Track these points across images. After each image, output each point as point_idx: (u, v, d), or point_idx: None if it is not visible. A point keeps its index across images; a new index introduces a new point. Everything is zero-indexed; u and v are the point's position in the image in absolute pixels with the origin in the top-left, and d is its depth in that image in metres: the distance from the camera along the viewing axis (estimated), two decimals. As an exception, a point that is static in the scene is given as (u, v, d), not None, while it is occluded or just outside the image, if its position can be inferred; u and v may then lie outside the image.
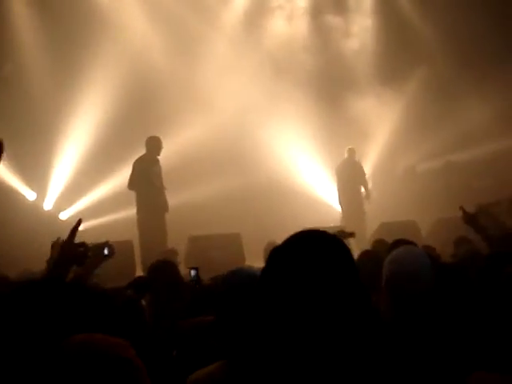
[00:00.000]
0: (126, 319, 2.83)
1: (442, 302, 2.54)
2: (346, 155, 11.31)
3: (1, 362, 1.43)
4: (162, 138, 9.50)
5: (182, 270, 7.55)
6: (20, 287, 1.65)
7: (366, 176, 11.41)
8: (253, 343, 1.56)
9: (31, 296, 1.61)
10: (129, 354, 1.35)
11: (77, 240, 2.92)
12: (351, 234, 5.76)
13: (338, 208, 11.42)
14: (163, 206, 9.27)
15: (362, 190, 11.29)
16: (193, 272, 3.72)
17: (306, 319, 1.45)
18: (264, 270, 1.58)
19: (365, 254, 4.48)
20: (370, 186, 11.32)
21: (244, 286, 2.38)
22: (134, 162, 9.29)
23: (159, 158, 9.39)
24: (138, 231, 9.09)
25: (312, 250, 1.52)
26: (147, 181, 9.10)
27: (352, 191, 11.09)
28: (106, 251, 3.45)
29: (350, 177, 11.11)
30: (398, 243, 3.84)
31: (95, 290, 1.78)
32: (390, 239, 5.42)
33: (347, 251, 1.57)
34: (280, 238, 1.66)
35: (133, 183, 9.22)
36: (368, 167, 12.03)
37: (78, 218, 3.03)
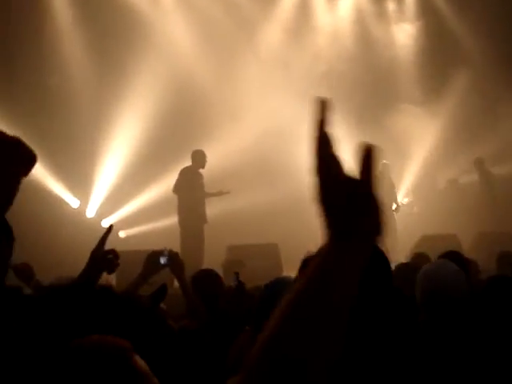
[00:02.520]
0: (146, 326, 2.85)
1: (476, 318, 2.51)
2: (380, 169, 11.24)
3: (16, 362, 1.46)
4: (202, 146, 9.79)
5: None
6: (47, 292, 1.68)
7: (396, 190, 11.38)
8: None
9: (57, 300, 1.63)
10: (131, 358, 1.30)
11: (119, 246, 2.93)
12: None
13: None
14: (202, 217, 9.51)
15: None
16: (234, 278, 3.64)
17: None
18: (296, 278, 1.57)
19: (403, 267, 4.44)
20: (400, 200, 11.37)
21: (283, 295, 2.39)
22: (181, 170, 9.65)
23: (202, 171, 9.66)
24: (179, 238, 9.30)
25: None
26: (190, 190, 9.42)
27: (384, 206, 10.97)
28: (162, 260, 3.41)
29: (383, 191, 10.91)
30: (446, 256, 3.77)
31: (124, 296, 1.79)
32: (430, 252, 5.38)
33: (386, 262, 1.56)
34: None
35: (177, 188, 9.58)
36: (409, 182, 11.97)
37: (111, 225, 3.04)
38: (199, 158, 9.64)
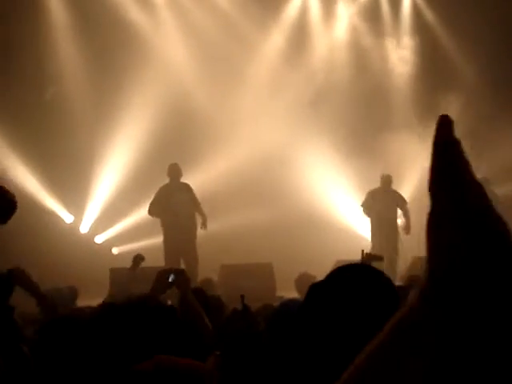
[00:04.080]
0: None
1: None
2: (380, 184, 10.64)
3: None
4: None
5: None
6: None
7: (407, 205, 10.65)
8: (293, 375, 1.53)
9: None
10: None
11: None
12: (380, 258, 5.61)
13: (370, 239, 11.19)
14: (188, 233, 9.41)
15: (399, 221, 10.74)
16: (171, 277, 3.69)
17: (348, 355, 1.41)
18: (303, 305, 1.54)
19: (399, 290, 4.44)
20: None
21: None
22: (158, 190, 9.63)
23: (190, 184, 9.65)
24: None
25: (354, 287, 1.47)
26: (166, 209, 9.38)
27: (387, 223, 10.38)
28: (170, 278, 3.58)
29: (384, 207, 10.33)
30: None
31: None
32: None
33: (391, 287, 1.54)
34: (311, 269, 1.65)
35: (150, 210, 9.61)
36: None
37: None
38: (171, 172, 9.56)
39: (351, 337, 1.39)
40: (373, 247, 10.18)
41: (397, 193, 10.74)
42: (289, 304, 2.53)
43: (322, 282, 1.54)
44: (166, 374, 1.37)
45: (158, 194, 9.54)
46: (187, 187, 9.69)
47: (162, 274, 3.61)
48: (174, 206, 9.35)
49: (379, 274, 1.54)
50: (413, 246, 10.18)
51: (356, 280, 1.48)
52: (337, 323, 1.43)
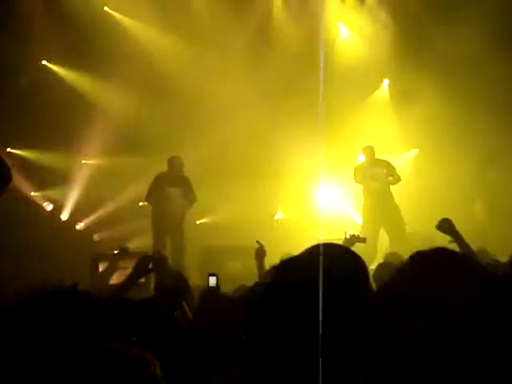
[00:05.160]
0: (157, 329, 2.90)
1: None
2: (362, 156, 10.23)
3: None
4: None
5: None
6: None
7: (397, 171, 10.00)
8: (269, 354, 1.52)
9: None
10: (152, 368, 1.44)
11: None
12: (362, 240, 5.70)
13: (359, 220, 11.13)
14: (176, 217, 9.40)
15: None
16: (212, 279, 3.68)
17: (311, 334, 1.42)
18: (271, 282, 1.54)
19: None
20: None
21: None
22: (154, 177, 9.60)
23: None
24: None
25: (318, 263, 1.47)
26: (158, 199, 9.41)
27: (383, 196, 9.80)
28: (151, 265, 3.74)
29: (371, 183, 9.83)
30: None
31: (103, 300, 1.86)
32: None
33: (360, 268, 1.52)
34: (297, 251, 1.63)
35: (147, 197, 9.59)
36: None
37: (91, 228, 3.23)
38: (171, 165, 9.52)
39: (310, 312, 1.41)
40: (364, 225, 9.85)
41: (384, 161, 10.09)
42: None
43: (289, 260, 1.55)
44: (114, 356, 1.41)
45: (154, 184, 9.52)
46: (185, 182, 9.60)
47: (143, 260, 3.72)
48: (167, 198, 9.35)
49: (349, 253, 1.55)
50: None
51: (322, 255, 1.48)
52: (298, 299, 1.44)
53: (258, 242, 5.19)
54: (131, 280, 3.70)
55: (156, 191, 9.44)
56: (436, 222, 4.41)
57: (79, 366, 1.41)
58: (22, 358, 1.54)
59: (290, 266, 1.53)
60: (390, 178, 9.89)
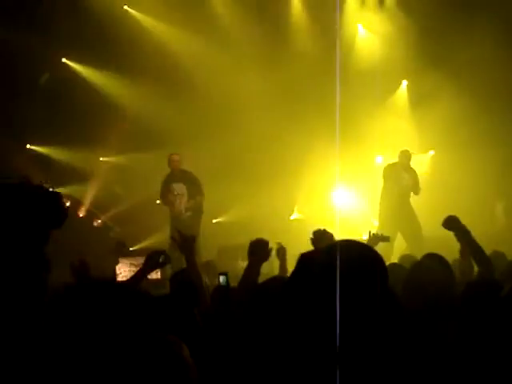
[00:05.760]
0: (177, 324, 2.96)
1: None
2: (398, 159, 9.95)
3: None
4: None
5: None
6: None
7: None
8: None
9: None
10: (184, 352, 1.52)
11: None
12: (385, 238, 5.67)
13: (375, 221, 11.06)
14: (190, 222, 9.36)
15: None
16: (221, 278, 3.77)
17: (327, 325, 1.45)
18: (293, 273, 1.58)
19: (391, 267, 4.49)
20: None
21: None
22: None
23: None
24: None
25: (342, 259, 1.49)
26: (163, 197, 9.51)
27: (403, 201, 9.76)
28: (161, 259, 3.82)
29: (396, 185, 9.73)
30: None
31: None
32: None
33: (378, 264, 1.54)
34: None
35: (160, 196, 9.66)
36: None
37: (108, 225, 3.36)
38: (168, 162, 9.58)
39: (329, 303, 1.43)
40: (382, 226, 9.76)
41: (414, 170, 9.99)
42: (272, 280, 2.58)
43: (310, 252, 1.59)
44: None
45: (162, 185, 9.61)
46: (189, 177, 9.60)
47: (152, 255, 3.82)
48: (173, 197, 9.41)
49: (371, 252, 1.57)
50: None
51: (342, 252, 1.50)
52: (319, 292, 1.47)
53: (278, 243, 5.15)
54: (140, 275, 3.80)
55: (165, 190, 9.52)
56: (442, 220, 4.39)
57: (127, 350, 1.48)
58: (73, 346, 1.63)
59: (311, 257, 1.56)
60: (414, 189, 9.90)
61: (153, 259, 3.83)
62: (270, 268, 7.63)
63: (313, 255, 1.57)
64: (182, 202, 9.44)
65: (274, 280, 2.67)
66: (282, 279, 2.69)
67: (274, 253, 4.83)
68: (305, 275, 1.53)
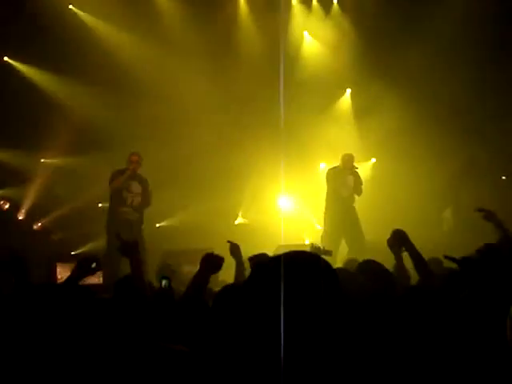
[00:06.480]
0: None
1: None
2: (340, 163, 9.92)
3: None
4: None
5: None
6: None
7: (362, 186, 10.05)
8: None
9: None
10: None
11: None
12: (327, 252, 5.76)
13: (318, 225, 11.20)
14: (134, 221, 9.14)
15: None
16: (164, 281, 3.79)
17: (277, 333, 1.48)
18: (248, 281, 1.60)
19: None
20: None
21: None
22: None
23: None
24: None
25: (296, 272, 1.54)
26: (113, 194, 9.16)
27: (347, 204, 9.84)
28: (94, 265, 3.81)
29: (340, 188, 9.79)
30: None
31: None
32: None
33: (324, 267, 1.58)
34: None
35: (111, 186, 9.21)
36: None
37: (49, 228, 3.30)
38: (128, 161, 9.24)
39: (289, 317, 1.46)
40: (327, 232, 9.85)
41: (356, 171, 9.98)
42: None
43: (266, 262, 1.60)
44: None
45: (116, 173, 9.18)
46: (145, 183, 9.31)
47: (83, 261, 3.75)
48: (126, 194, 9.17)
49: (321, 261, 1.61)
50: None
51: (299, 264, 1.56)
52: (273, 301, 1.49)
53: (229, 241, 5.06)
54: (72, 280, 3.70)
55: (121, 181, 9.14)
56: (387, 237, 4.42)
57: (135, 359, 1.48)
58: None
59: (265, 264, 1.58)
60: (357, 191, 9.95)
61: (84, 265, 3.78)
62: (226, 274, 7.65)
63: (266, 263, 1.59)
64: (135, 202, 9.27)
65: (227, 289, 2.70)
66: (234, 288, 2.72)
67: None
68: (260, 281, 1.55)
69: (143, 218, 9.34)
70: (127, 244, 3.87)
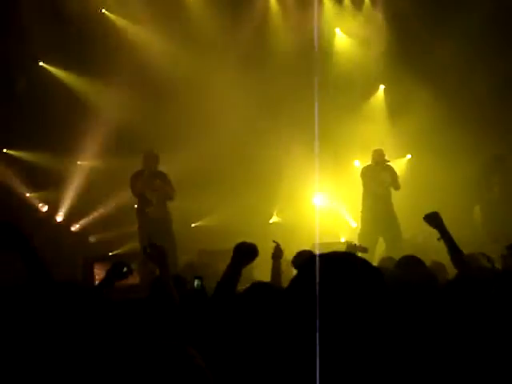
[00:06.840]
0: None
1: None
2: (358, 161, 10.15)
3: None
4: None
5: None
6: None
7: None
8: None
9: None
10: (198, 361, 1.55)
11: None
12: (363, 249, 5.71)
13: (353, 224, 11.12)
14: (162, 219, 9.29)
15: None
16: (196, 281, 3.82)
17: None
18: (294, 284, 1.60)
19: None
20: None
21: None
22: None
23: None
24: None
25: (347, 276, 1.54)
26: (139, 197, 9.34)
27: (382, 201, 9.76)
28: (125, 269, 4.00)
29: (375, 185, 9.76)
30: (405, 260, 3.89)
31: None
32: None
33: (375, 277, 1.57)
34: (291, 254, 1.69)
35: (133, 192, 9.45)
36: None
37: (87, 230, 3.33)
38: (143, 159, 9.44)
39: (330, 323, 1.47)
40: (363, 230, 9.83)
41: (390, 167, 9.93)
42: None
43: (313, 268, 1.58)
44: None
45: (134, 181, 9.42)
46: (162, 176, 9.49)
47: (115, 265, 3.90)
48: (150, 194, 9.28)
49: (365, 265, 1.60)
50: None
51: (342, 269, 1.56)
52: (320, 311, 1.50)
53: (274, 241, 4.96)
54: (105, 283, 3.87)
55: (142, 183, 9.39)
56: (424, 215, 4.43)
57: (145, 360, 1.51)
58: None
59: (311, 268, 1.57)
60: (394, 185, 9.87)
61: (115, 270, 3.97)
62: (249, 272, 7.64)
63: (312, 268, 1.57)
64: (160, 198, 9.30)
65: (256, 287, 2.69)
66: (266, 286, 2.70)
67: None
68: (306, 285, 1.54)
69: (171, 213, 9.42)
70: (155, 251, 3.91)
